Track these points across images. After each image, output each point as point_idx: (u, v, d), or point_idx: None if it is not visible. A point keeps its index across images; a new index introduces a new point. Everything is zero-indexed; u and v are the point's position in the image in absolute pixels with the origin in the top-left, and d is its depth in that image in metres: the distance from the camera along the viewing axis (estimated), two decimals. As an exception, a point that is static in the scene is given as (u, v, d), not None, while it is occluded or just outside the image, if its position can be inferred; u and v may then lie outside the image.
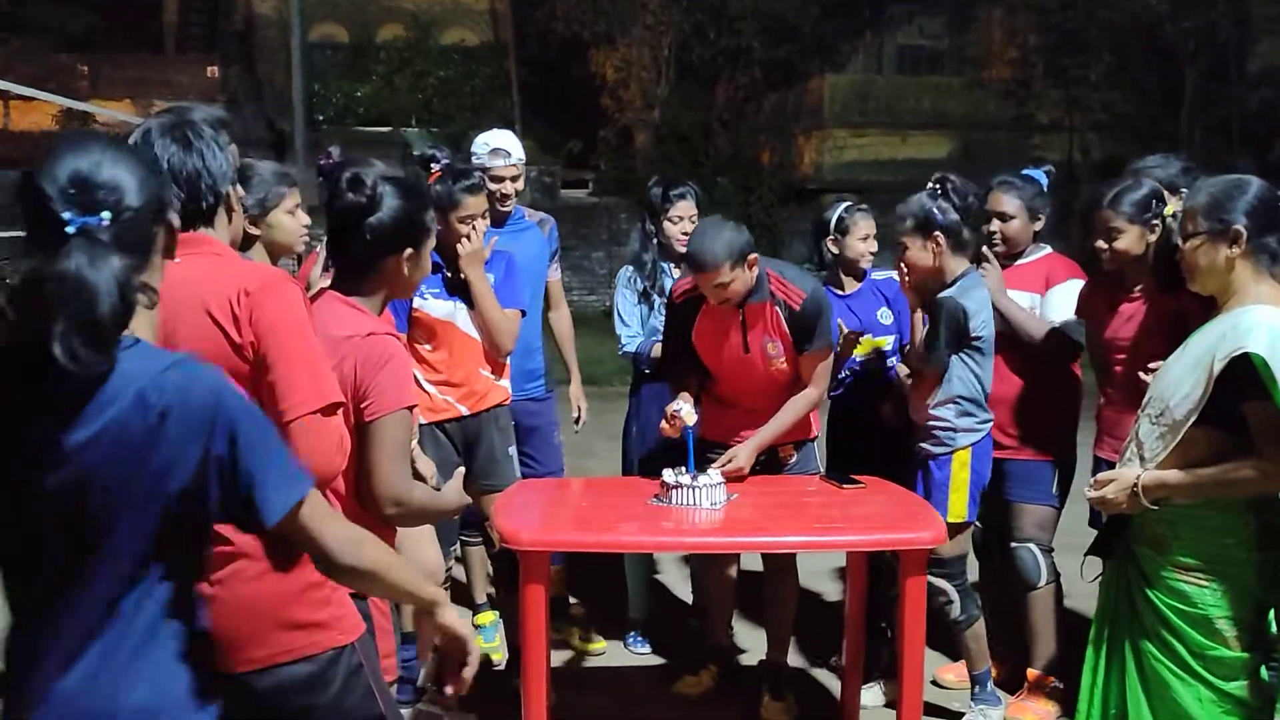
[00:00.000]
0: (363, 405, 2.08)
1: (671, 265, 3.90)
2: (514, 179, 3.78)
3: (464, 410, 3.39)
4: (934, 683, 3.67)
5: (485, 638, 4.01)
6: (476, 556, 4.06)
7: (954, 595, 3.30)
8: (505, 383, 3.50)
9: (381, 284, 2.27)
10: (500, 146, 3.75)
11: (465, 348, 3.37)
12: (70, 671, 1.42)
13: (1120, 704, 2.49)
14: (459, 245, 3.26)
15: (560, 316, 4.25)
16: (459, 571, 3.98)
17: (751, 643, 3.94)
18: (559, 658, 3.95)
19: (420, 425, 3.25)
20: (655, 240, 3.95)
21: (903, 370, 3.48)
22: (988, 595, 3.53)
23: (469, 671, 1.78)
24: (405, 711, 3.00)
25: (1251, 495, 2.30)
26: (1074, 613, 3.66)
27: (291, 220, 2.84)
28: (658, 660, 4.04)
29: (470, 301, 3.34)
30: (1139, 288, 3.12)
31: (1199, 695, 2.35)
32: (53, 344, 1.33)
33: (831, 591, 4.62)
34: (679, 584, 4.67)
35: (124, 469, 1.40)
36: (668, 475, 3.00)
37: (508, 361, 3.51)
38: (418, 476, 2.28)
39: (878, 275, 3.79)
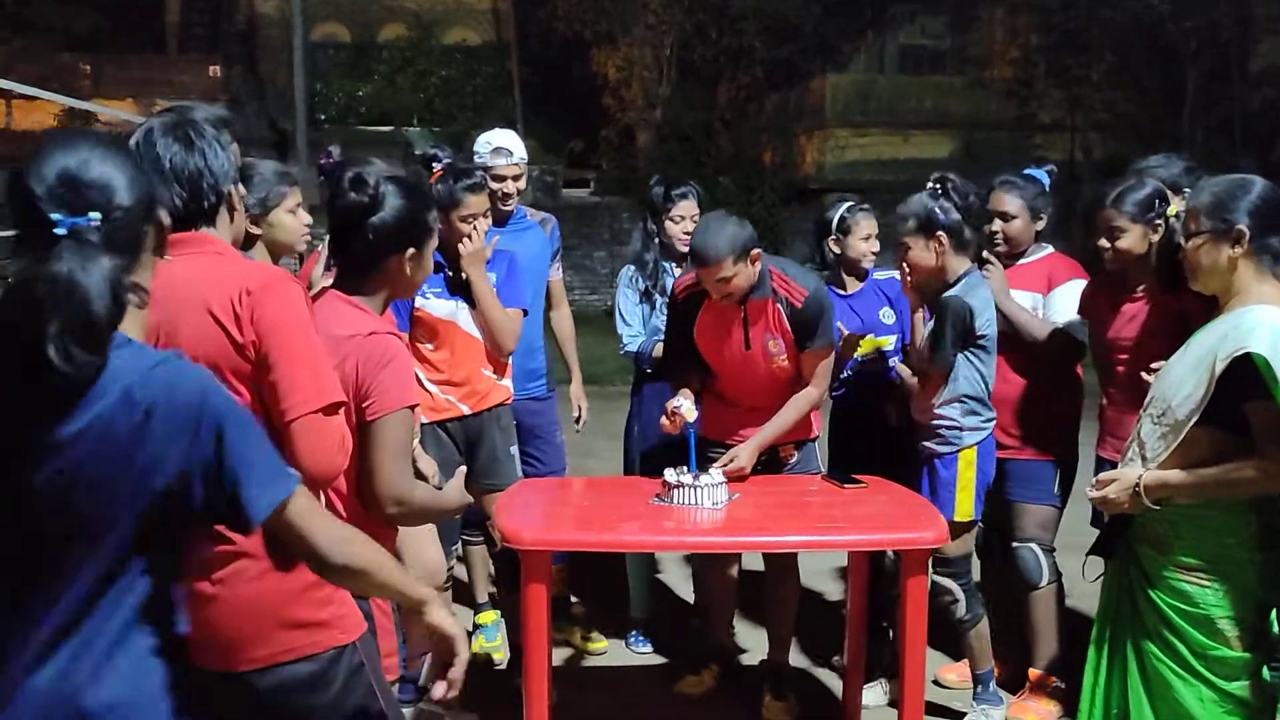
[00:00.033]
0: (364, 404, 2.08)
1: (673, 265, 3.90)
2: (516, 178, 3.78)
3: (466, 410, 3.39)
4: (935, 682, 3.67)
5: (487, 637, 4.01)
6: (478, 556, 4.06)
7: (959, 594, 3.30)
8: (507, 382, 3.50)
9: (384, 283, 2.27)
10: (502, 146, 3.75)
11: (467, 347, 3.37)
12: (42, 669, 1.42)
13: (1122, 704, 2.48)
14: (460, 245, 3.26)
15: (561, 316, 4.26)
16: (461, 571, 3.98)
17: (753, 642, 3.94)
18: (560, 657, 3.95)
19: (422, 424, 3.25)
20: (657, 240, 3.95)
21: (904, 370, 3.48)
22: (989, 595, 3.53)
23: (456, 672, 1.76)
24: (406, 711, 3.00)
25: (1253, 495, 2.30)
26: (1076, 612, 3.65)
27: (293, 219, 2.84)
28: (659, 660, 4.04)
29: (472, 301, 3.34)
30: (1141, 288, 3.12)
31: (1201, 695, 2.35)
32: (47, 345, 1.32)
33: (833, 591, 4.62)
34: (680, 583, 4.67)
35: (109, 466, 1.40)
36: (669, 475, 3.00)
37: (509, 361, 3.51)
38: (419, 476, 2.28)
39: (880, 275, 3.79)
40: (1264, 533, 2.33)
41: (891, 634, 3.56)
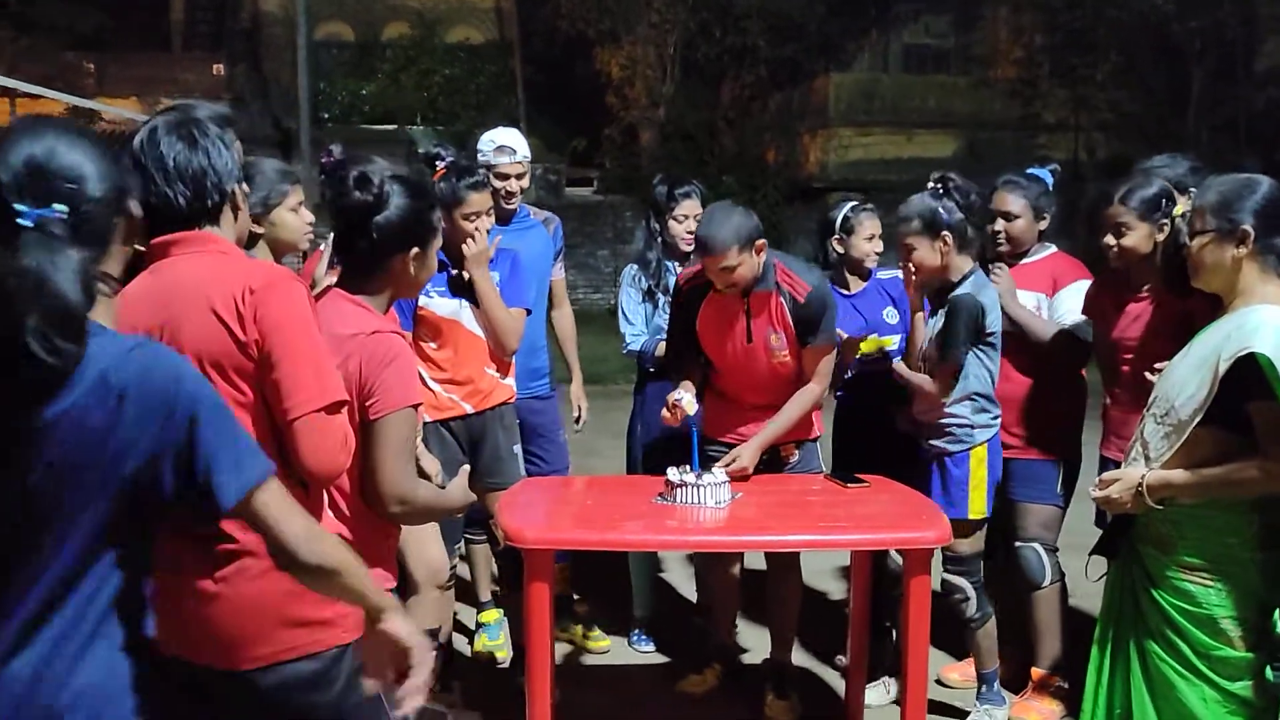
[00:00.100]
0: (368, 403, 2.09)
1: (676, 264, 3.90)
2: (519, 176, 3.78)
3: (469, 408, 3.39)
4: (938, 682, 3.67)
5: (490, 636, 4.02)
6: (481, 554, 4.07)
7: (970, 593, 3.31)
8: (510, 381, 3.50)
9: (388, 283, 2.28)
10: (506, 144, 3.76)
11: (470, 346, 3.37)
12: (15, 659, 1.42)
13: (1125, 704, 2.48)
14: (464, 246, 3.26)
15: (563, 315, 4.25)
16: (463, 569, 3.99)
17: (755, 642, 3.94)
18: (563, 656, 3.96)
19: (425, 423, 3.25)
20: (660, 239, 3.95)
21: (903, 370, 3.43)
22: (992, 594, 3.52)
23: (414, 683, 1.68)
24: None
25: (1256, 495, 2.29)
26: (1079, 612, 3.65)
27: (295, 218, 2.84)
28: (662, 659, 4.04)
29: (476, 300, 3.33)
30: (1146, 287, 3.11)
31: (1204, 695, 2.35)
32: (26, 338, 1.32)
33: (835, 590, 4.62)
34: (683, 583, 4.67)
35: (84, 452, 1.40)
36: (672, 474, 3.00)
37: (513, 360, 3.51)
38: (422, 475, 2.28)
39: (883, 275, 3.79)
40: (1266, 532, 2.32)
41: (894, 633, 3.56)
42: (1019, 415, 3.43)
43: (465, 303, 3.34)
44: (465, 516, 3.34)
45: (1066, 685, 3.42)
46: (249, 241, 2.46)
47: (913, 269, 3.26)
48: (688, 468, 3.02)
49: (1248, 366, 2.20)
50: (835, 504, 3.07)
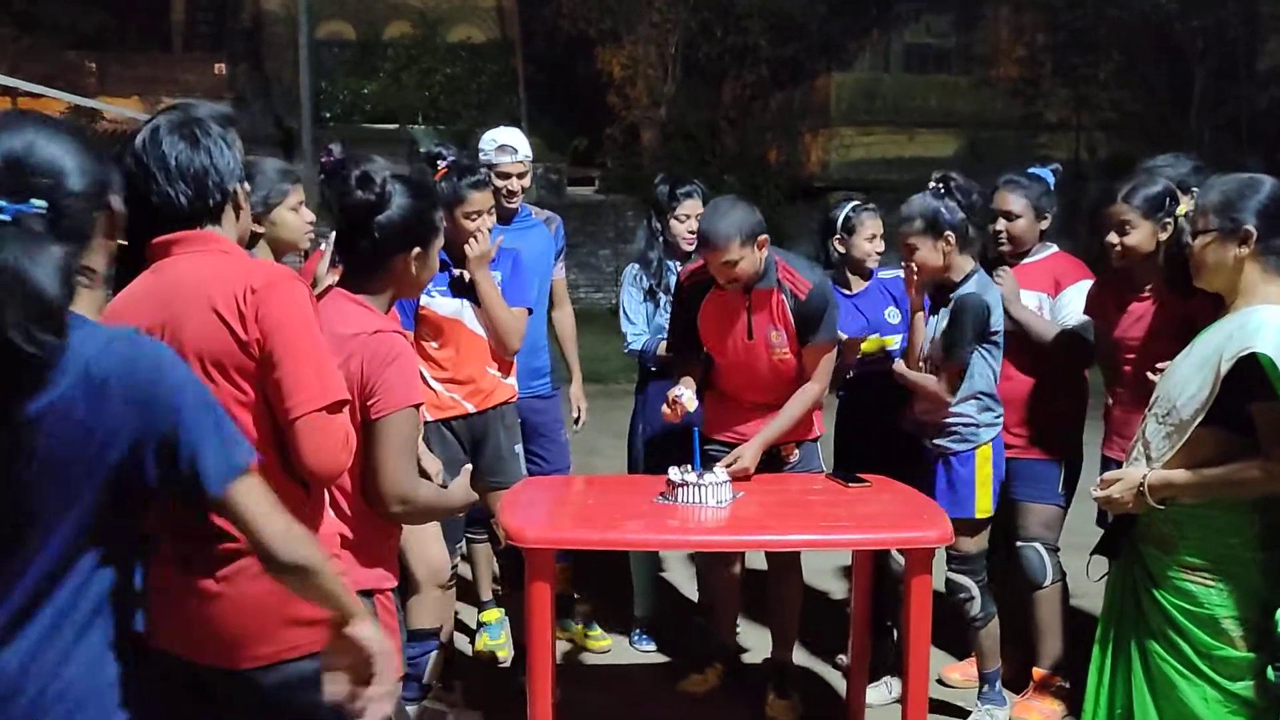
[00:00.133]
0: (369, 403, 2.09)
1: (677, 263, 3.90)
2: (521, 176, 3.78)
3: (470, 408, 3.39)
4: (939, 681, 3.67)
5: (491, 635, 4.02)
6: (482, 554, 4.07)
7: (975, 592, 3.31)
8: (512, 380, 3.50)
9: (389, 282, 2.28)
10: (507, 143, 3.76)
11: (472, 345, 3.37)
12: (5, 650, 1.42)
13: (1126, 704, 2.48)
14: (466, 247, 3.26)
15: (563, 315, 4.25)
16: (465, 569, 3.99)
17: (756, 641, 3.94)
18: (564, 655, 3.96)
19: (427, 423, 3.25)
20: (661, 238, 3.96)
21: (903, 370, 3.42)
22: (993, 594, 3.52)
23: (376, 692, 1.63)
24: (410, 708, 3.01)
25: (1258, 495, 2.29)
26: (1080, 612, 3.65)
27: (295, 217, 2.84)
28: (663, 658, 4.04)
29: (477, 299, 3.33)
30: (1149, 287, 3.11)
31: (1205, 695, 2.35)
32: (8, 332, 1.33)
33: (837, 590, 4.62)
34: (684, 582, 4.67)
35: (71, 442, 1.41)
36: (673, 473, 3.00)
37: (514, 359, 3.51)
38: (423, 474, 2.28)
39: (885, 274, 3.78)
40: (1268, 532, 2.32)
41: (895, 633, 3.55)
42: (1021, 415, 3.42)
43: (467, 302, 3.34)
44: (467, 516, 3.35)
45: (1068, 685, 3.41)
46: (249, 241, 2.46)
47: (915, 269, 3.26)
48: (689, 467, 3.02)
49: (1249, 367, 2.20)
50: (837, 503, 3.07)
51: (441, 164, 3.36)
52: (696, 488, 2.94)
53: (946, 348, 3.21)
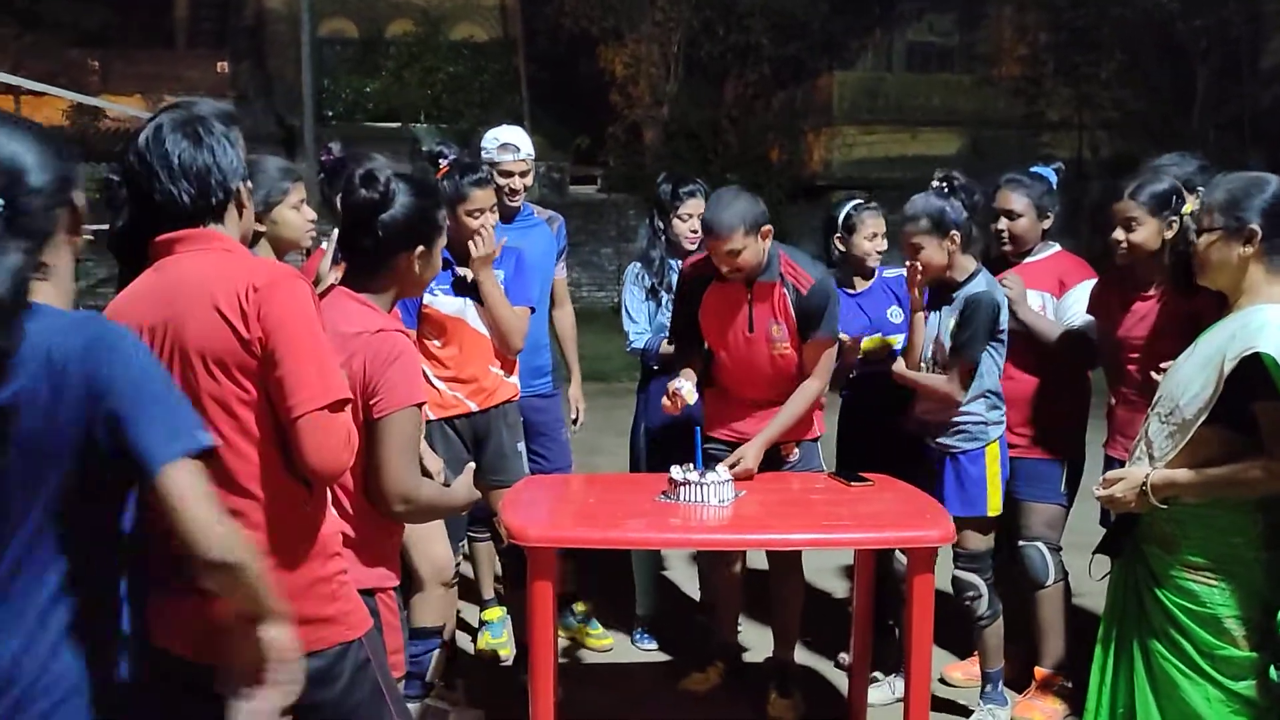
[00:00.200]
0: (372, 402, 2.09)
1: (679, 262, 3.90)
2: (523, 174, 3.78)
3: (473, 406, 3.39)
4: (941, 680, 3.67)
5: (493, 634, 4.02)
6: (484, 552, 4.07)
7: (983, 590, 3.31)
8: (514, 379, 3.50)
9: (392, 281, 2.28)
10: (509, 142, 3.76)
11: (475, 344, 3.37)
12: None
13: (1128, 703, 2.48)
14: (471, 246, 3.26)
15: (564, 315, 4.25)
16: (466, 567, 3.99)
17: (758, 640, 3.94)
18: (566, 654, 3.96)
19: (429, 421, 3.25)
20: (663, 237, 3.95)
21: (904, 371, 3.41)
22: (998, 593, 3.52)
23: (266, 698, 1.59)
24: (413, 707, 3.01)
25: (1260, 495, 2.29)
26: (1082, 611, 3.65)
27: (296, 215, 2.84)
28: (664, 657, 4.04)
29: (480, 298, 3.33)
30: (1154, 286, 3.11)
31: (1207, 694, 2.34)
32: None
33: (839, 589, 4.62)
34: (686, 581, 4.67)
35: (37, 427, 1.43)
36: (675, 472, 3.00)
37: (517, 357, 3.51)
38: (424, 473, 2.28)
39: (889, 273, 3.77)
40: (1271, 532, 2.32)
41: (897, 632, 3.55)
42: (1024, 414, 3.42)
43: (470, 301, 3.34)
44: (469, 514, 3.35)
45: (1070, 684, 3.41)
46: (251, 239, 2.45)
47: (919, 268, 3.25)
48: (691, 466, 3.02)
49: (1252, 366, 2.20)
50: (839, 503, 3.07)
51: (444, 162, 3.36)
52: (698, 486, 2.94)
53: (959, 346, 3.21)
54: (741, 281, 3.23)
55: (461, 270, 3.32)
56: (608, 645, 4.09)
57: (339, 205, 2.38)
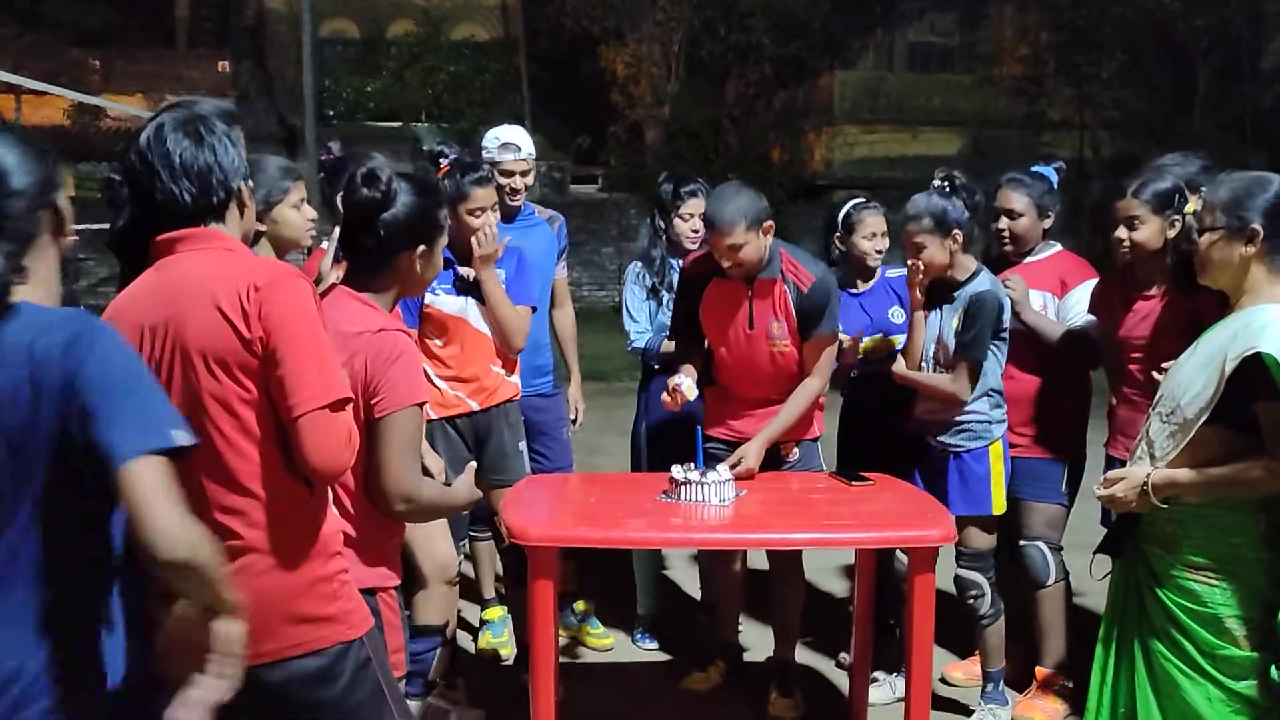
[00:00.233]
0: (373, 401, 2.09)
1: (680, 261, 3.90)
2: (524, 174, 3.78)
3: (475, 405, 3.39)
4: (942, 680, 3.67)
5: (493, 633, 4.02)
6: (485, 551, 4.07)
7: (986, 588, 3.32)
8: (515, 378, 3.50)
9: (394, 280, 2.28)
10: (510, 141, 3.76)
11: (477, 343, 3.37)
12: None
13: (1129, 703, 2.48)
14: (474, 241, 3.26)
15: (564, 316, 4.24)
16: (466, 567, 3.99)
17: (759, 640, 3.94)
18: (567, 653, 3.96)
19: (431, 421, 3.25)
20: (664, 236, 3.95)
21: (909, 372, 3.41)
22: (1000, 592, 3.52)
23: (202, 687, 1.56)
24: (415, 705, 3.01)
25: (1262, 494, 2.29)
26: (1083, 611, 3.65)
27: (296, 215, 2.84)
28: (665, 656, 4.04)
29: (482, 298, 3.34)
30: (1156, 285, 3.10)
31: (1208, 694, 2.34)
32: None
33: (839, 588, 4.62)
34: (687, 580, 4.67)
35: (21, 422, 1.44)
36: (676, 471, 3.00)
37: (518, 357, 3.51)
38: (425, 473, 2.28)
39: (892, 273, 3.75)
40: (1272, 532, 2.32)
41: (898, 631, 3.55)
42: (1025, 414, 3.42)
43: (471, 300, 3.34)
44: (470, 513, 3.35)
45: (1071, 684, 3.41)
46: (252, 239, 2.46)
47: (920, 267, 3.25)
48: (692, 465, 3.02)
49: (1254, 366, 2.20)
50: (840, 502, 3.07)
51: (444, 162, 3.36)
52: (699, 486, 2.94)
53: (964, 345, 3.21)
54: (742, 278, 3.23)
55: (463, 269, 3.32)
56: (608, 644, 4.09)
57: (339, 204, 2.38)
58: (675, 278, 3.77)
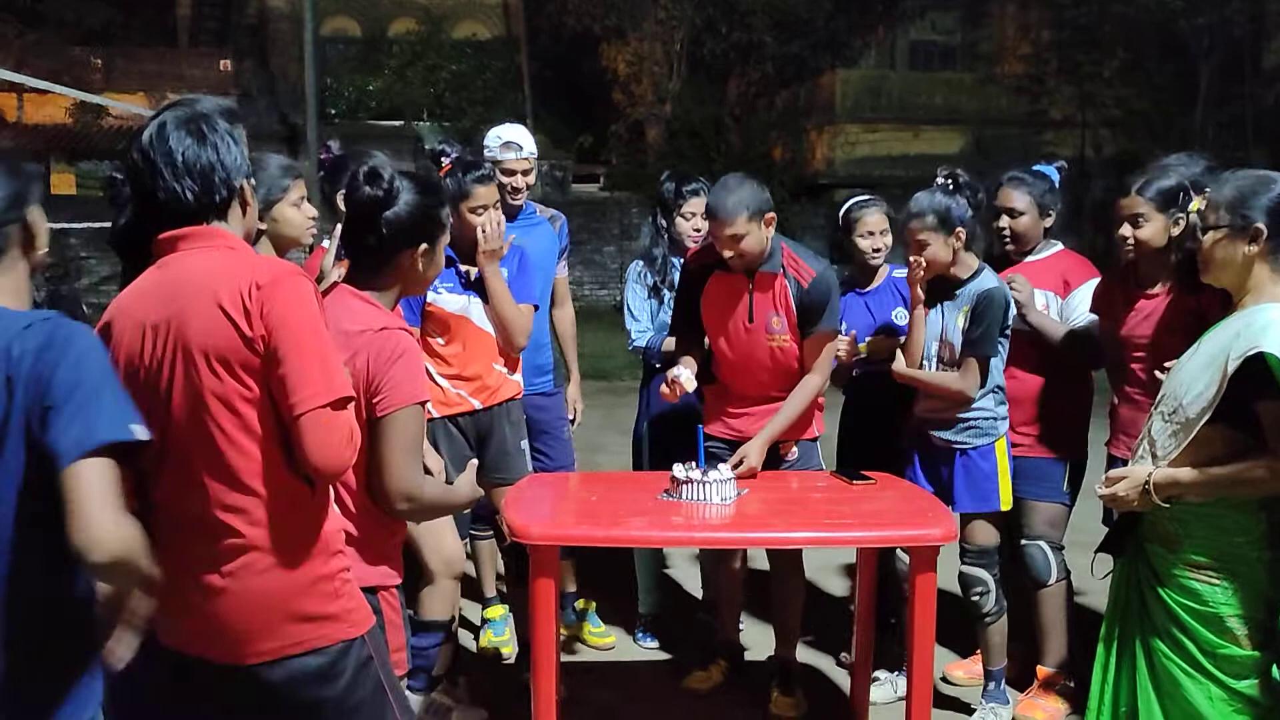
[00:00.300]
0: (374, 400, 2.09)
1: (682, 260, 3.90)
2: (525, 172, 3.78)
3: (476, 404, 3.39)
4: (943, 679, 3.67)
5: (495, 631, 4.02)
6: (486, 550, 4.07)
7: (991, 585, 3.31)
8: (518, 377, 3.50)
9: (396, 279, 2.28)
10: (512, 140, 3.76)
11: (479, 342, 3.37)
12: None
13: (1131, 702, 2.48)
14: (480, 238, 3.26)
15: (564, 315, 4.24)
16: (468, 565, 3.98)
17: (760, 638, 3.94)
18: (568, 651, 3.96)
19: (433, 419, 3.25)
20: (666, 235, 3.95)
21: (912, 371, 3.40)
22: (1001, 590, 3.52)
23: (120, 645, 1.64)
24: (416, 701, 3.01)
25: (1263, 494, 2.29)
26: (1085, 610, 3.65)
27: (297, 213, 2.84)
28: (666, 655, 4.04)
29: (484, 296, 3.34)
30: (1159, 284, 3.10)
31: (1209, 693, 2.34)
32: None
33: (840, 587, 4.62)
34: (689, 579, 4.67)
35: (2, 421, 1.46)
36: (678, 470, 3.00)
37: (520, 355, 3.51)
38: (425, 471, 2.28)
39: (899, 273, 3.72)
40: (1273, 531, 2.32)
41: (899, 630, 3.55)
42: (1027, 413, 3.42)
43: (474, 298, 3.34)
44: (472, 512, 3.35)
45: (1072, 683, 3.41)
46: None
47: (922, 264, 3.25)
48: (693, 464, 3.02)
49: (1256, 366, 2.20)
50: (841, 501, 3.07)
51: (446, 161, 3.36)
52: (701, 485, 2.94)
53: (972, 342, 3.21)
54: (743, 270, 3.23)
55: (465, 267, 3.32)
56: (610, 643, 4.09)
57: (341, 203, 2.39)
58: (677, 276, 3.77)
